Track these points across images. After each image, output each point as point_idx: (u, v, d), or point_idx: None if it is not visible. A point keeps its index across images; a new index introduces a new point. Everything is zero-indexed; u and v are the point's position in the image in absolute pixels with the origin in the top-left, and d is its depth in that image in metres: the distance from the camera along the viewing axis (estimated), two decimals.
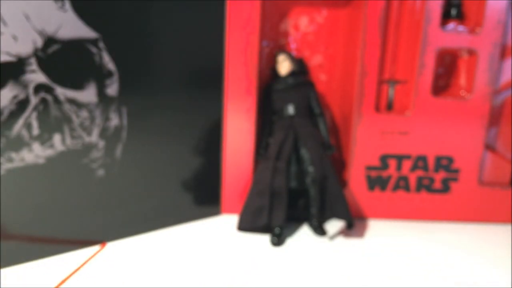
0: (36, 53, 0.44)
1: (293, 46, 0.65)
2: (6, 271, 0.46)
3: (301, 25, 0.64)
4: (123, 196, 0.53)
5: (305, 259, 0.51)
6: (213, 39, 0.56)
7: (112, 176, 0.51)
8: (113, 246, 0.52)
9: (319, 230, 0.57)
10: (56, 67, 0.45)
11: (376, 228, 0.61)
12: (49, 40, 0.44)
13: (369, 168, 0.61)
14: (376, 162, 0.61)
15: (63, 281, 0.45)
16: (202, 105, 0.57)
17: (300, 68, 0.63)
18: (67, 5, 0.45)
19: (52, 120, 0.46)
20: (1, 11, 0.42)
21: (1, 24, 0.42)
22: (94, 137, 0.49)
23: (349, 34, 0.62)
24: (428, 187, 0.62)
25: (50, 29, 0.44)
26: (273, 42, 0.64)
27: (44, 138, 0.46)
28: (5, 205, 0.45)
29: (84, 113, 0.48)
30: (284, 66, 0.61)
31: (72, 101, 0.47)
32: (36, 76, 0.44)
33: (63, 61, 0.46)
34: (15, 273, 0.46)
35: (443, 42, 0.58)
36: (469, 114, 0.60)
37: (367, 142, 0.61)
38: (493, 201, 0.62)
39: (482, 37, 0.57)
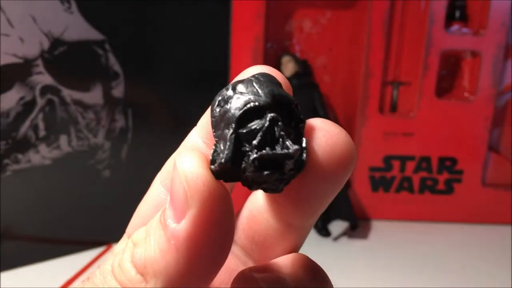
0: (42, 55, 0.44)
1: (297, 47, 0.65)
2: (10, 272, 0.46)
3: (305, 26, 0.64)
4: (129, 197, 0.53)
5: None
6: (218, 41, 0.56)
7: (117, 177, 0.52)
8: None
9: (323, 231, 0.57)
10: (63, 68, 0.45)
11: (380, 229, 0.61)
12: (56, 42, 0.45)
13: (373, 169, 0.62)
14: (379, 163, 0.61)
15: (68, 283, 0.45)
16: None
17: (304, 69, 0.63)
18: (74, 7, 0.45)
19: (58, 122, 0.46)
20: (8, 13, 0.42)
21: (8, 26, 0.42)
22: (100, 138, 0.49)
23: (353, 36, 0.63)
24: (431, 188, 0.62)
25: (56, 31, 0.44)
26: (277, 44, 0.65)
27: (50, 140, 0.46)
28: (11, 206, 0.45)
29: (90, 115, 0.48)
30: (288, 67, 0.61)
31: (78, 103, 0.47)
32: (42, 77, 0.45)
33: (70, 62, 0.46)
34: (19, 274, 0.46)
35: (447, 44, 0.58)
36: (472, 115, 0.60)
37: (371, 143, 0.61)
38: (496, 202, 0.62)
39: (486, 39, 0.57)
